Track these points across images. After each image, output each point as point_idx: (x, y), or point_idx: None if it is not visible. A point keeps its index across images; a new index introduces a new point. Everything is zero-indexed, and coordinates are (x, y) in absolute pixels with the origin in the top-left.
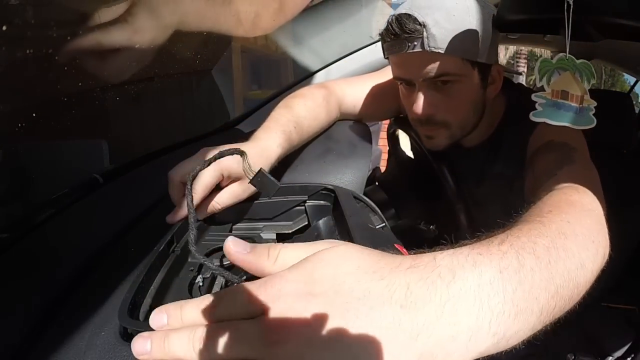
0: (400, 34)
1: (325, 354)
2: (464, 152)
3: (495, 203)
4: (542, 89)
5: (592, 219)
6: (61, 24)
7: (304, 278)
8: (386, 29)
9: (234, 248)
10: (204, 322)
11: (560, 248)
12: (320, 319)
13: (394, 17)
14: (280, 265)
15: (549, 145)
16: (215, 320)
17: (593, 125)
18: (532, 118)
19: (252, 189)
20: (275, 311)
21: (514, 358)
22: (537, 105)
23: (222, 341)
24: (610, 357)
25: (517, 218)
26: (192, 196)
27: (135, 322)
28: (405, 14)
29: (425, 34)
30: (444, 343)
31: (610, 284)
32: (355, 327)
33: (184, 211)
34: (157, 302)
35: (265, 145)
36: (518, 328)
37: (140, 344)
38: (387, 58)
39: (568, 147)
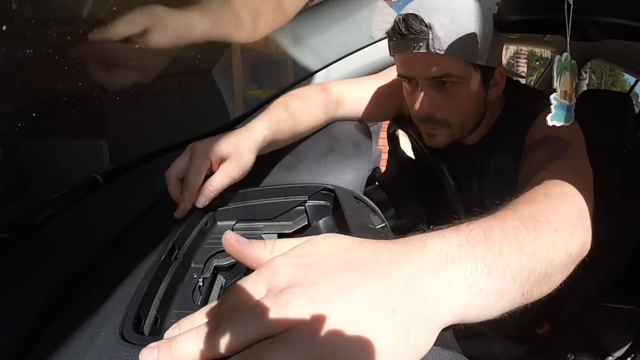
0: (407, 34)
1: (328, 307)
2: (465, 149)
3: (496, 200)
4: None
5: (568, 208)
6: (61, 23)
7: (298, 255)
8: (393, 28)
9: (236, 241)
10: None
11: (529, 228)
12: (318, 279)
13: (401, 16)
14: (276, 254)
15: (545, 139)
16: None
17: (572, 120)
18: (549, 122)
19: (244, 166)
20: (276, 283)
21: (513, 357)
22: (552, 107)
23: (232, 325)
24: (610, 357)
25: (493, 210)
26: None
27: (140, 337)
28: (412, 14)
29: (430, 35)
30: (429, 287)
31: (610, 284)
32: (354, 282)
33: (187, 205)
34: (162, 312)
35: (250, 128)
36: (494, 286)
37: (146, 353)
38: (392, 56)
39: (563, 142)
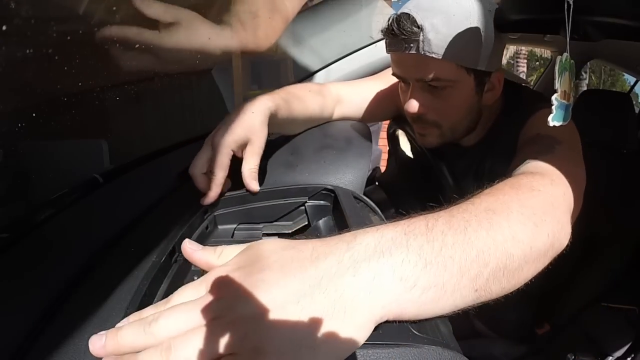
0: (398, 34)
1: (249, 306)
2: (462, 150)
3: None
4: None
5: (537, 199)
6: (61, 22)
7: (235, 261)
8: (386, 27)
9: (190, 246)
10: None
11: (483, 220)
12: (242, 281)
13: (395, 15)
14: (223, 259)
15: (535, 138)
16: None
17: (569, 119)
18: (550, 122)
19: (264, 140)
20: (211, 285)
21: (513, 357)
22: (553, 108)
23: (168, 318)
24: (610, 357)
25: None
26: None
27: None
28: (406, 14)
29: (421, 37)
30: (347, 282)
31: (610, 284)
32: (270, 279)
33: (214, 197)
34: None
35: (254, 103)
36: (431, 280)
37: (95, 339)
38: (389, 53)
39: (553, 140)
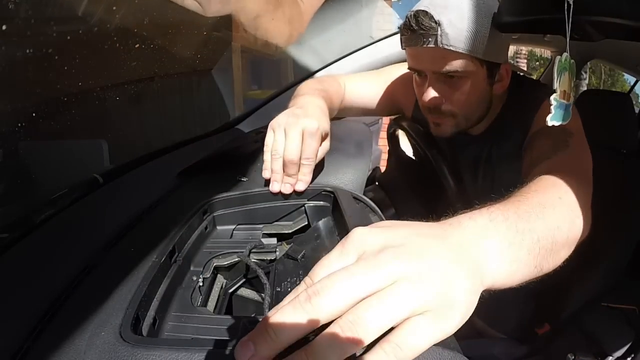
0: (417, 30)
1: (420, 264)
2: (471, 138)
3: (502, 186)
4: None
5: (571, 197)
6: (61, 23)
7: (376, 226)
8: (404, 24)
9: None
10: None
11: (538, 213)
12: (404, 241)
13: (412, 12)
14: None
15: (549, 129)
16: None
17: (570, 118)
18: (548, 122)
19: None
20: (369, 247)
21: (513, 357)
22: (552, 108)
23: (334, 290)
24: (610, 357)
25: (506, 195)
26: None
27: (139, 337)
28: (423, 11)
29: (439, 31)
30: (476, 253)
31: (610, 284)
32: (426, 244)
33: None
34: (161, 314)
35: (310, 101)
36: (515, 255)
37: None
38: (404, 49)
39: (565, 133)
